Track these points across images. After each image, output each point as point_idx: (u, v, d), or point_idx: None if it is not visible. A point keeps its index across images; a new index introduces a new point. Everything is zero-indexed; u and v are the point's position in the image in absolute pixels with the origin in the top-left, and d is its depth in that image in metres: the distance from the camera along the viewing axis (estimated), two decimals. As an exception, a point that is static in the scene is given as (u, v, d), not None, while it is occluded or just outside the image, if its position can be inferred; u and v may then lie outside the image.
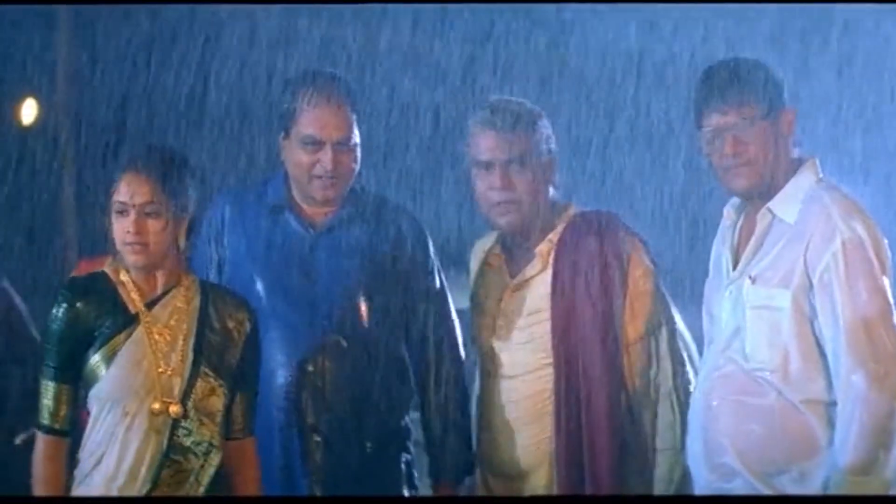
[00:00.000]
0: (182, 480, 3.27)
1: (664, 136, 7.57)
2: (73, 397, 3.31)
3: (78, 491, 3.29)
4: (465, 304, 3.89)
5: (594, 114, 7.60)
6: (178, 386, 3.27)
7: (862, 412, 3.24)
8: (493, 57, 7.78)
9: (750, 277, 3.41)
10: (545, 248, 3.71)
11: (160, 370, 3.26)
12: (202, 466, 3.29)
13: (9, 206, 7.63)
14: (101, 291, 3.32)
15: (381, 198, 3.82)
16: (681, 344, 3.76)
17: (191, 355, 3.30)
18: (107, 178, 3.33)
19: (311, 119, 3.64)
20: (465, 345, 3.86)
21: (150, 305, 3.32)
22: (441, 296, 3.81)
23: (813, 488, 3.31)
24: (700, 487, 3.49)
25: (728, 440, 3.40)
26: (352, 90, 3.70)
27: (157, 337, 3.29)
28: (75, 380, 3.30)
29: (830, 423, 3.32)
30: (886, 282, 3.32)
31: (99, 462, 3.27)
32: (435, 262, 3.82)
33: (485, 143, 3.67)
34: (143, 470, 3.25)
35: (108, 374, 3.26)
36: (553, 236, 3.72)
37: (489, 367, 3.75)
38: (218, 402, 3.31)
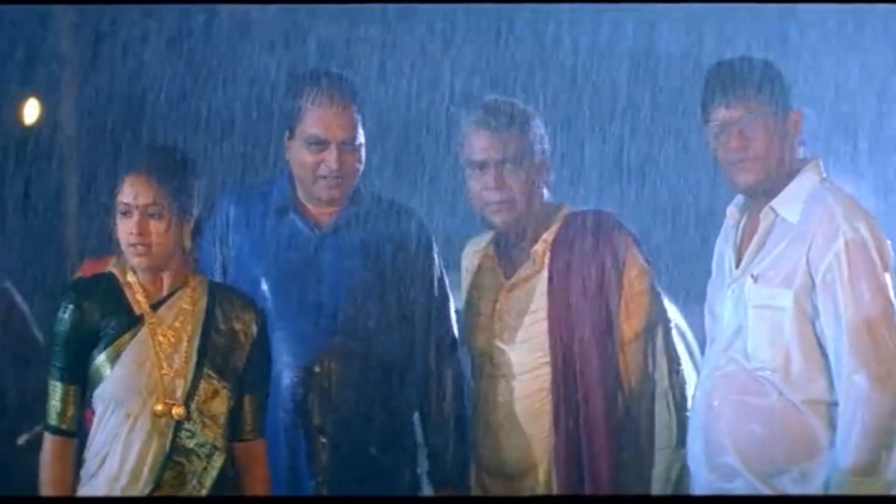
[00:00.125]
0: (185, 482, 3.27)
1: (665, 134, 7.58)
2: (81, 398, 3.31)
3: (83, 491, 3.29)
4: (458, 304, 3.90)
5: (594, 113, 7.60)
6: (181, 388, 3.27)
7: (864, 412, 3.24)
8: (492, 57, 7.79)
9: (752, 277, 3.42)
10: (540, 248, 3.72)
11: (163, 372, 3.26)
12: (205, 468, 3.28)
13: (11, 207, 7.63)
14: (106, 292, 3.32)
15: (385, 198, 3.82)
16: (683, 343, 3.76)
17: (195, 357, 3.29)
18: (110, 179, 3.33)
19: (316, 119, 3.64)
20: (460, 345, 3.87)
21: (155, 307, 3.31)
22: (443, 296, 3.82)
23: (814, 489, 3.31)
24: (701, 487, 3.49)
25: (729, 440, 3.41)
26: (357, 90, 3.70)
27: (160, 338, 3.29)
28: (82, 380, 3.30)
29: (832, 424, 3.32)
30: (889, 282, 3.33)
31: (103, 462, 3.27)
32: (439, 261, 3.82)
33: (479, 143, 3.68)
34: (146, 471, 3.25)
35: (112, 375, 3.26)
36: (548, 236, 3.72)
37: (485, 367, 3.75)
38: (221, 405, 3.31)
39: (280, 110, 3.75)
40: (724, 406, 3.43)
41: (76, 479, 3.31)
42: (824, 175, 3.46)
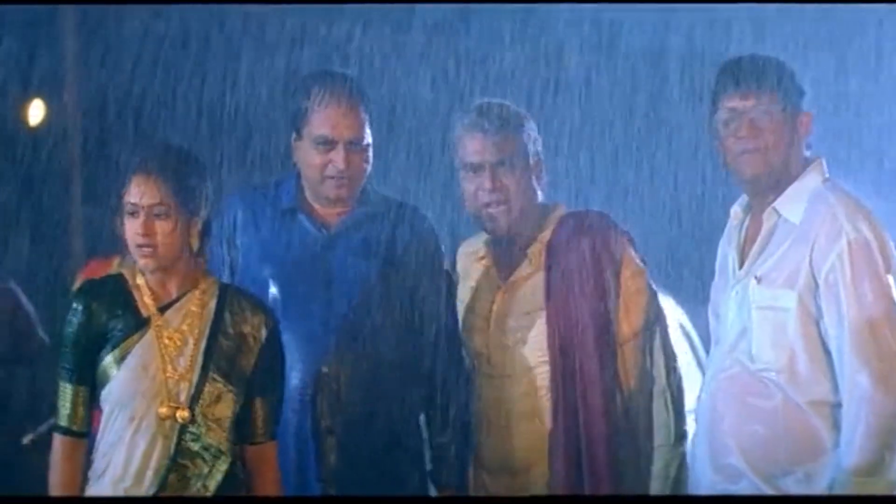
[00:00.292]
0: (189, 485, 3.26)
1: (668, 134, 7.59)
2: (90, 399, 3.30)
3: (90, 491, 3.28)
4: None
5: (597, 113, 7.60)
6: (185, 391, 3.26)
7: (868, 413, 3.24)
8: (491, 57, 7.80)
9: (755, 278, 3.42)
10: (537, 248, 3.73)
11: (168, 375, 3.25)
12: (210, 472, 3.27)
13: (16, 207, 7.64)
14: (115, 294, 3.31)
15: (393, 198, 3.82)
16: (688, 343, 3.77)
17: (200, 360, 3.28)
18: (114, 180, 3.33)
19: (324, 119, 3.64)
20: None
21: (163, 309, 3.30)
22: (451, 296, 3.82)
23: (819, 490, 3.32)
24: (706, 489, 3.49)
25: (733, 441, 3.41)
26: (364, 90, 3.70)
27: (166, 341, 3.27)
28: (91, 381, 3.29)
29: (836, 425, 3.32)
30: (892, 282, 3.33)
31: (109, 463, 3.27)
32: (446, 262, 3.82)
33: (473, 146, 3.69)
34: (150, 473, 3.24)
35: (118, 377, 3.25)
36: (544, 237, 3.74)
37: (483, 367, 3.75)
38: (226, 409, 3.29)
39: (287, 111, 3.75)
40: (728, 407, 3.43)
41: (85, 479, 3.31)
42: (827, 175, 3.47)
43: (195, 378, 3.26)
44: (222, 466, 3.28)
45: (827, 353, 3.34)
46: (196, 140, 6.39)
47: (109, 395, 3.27)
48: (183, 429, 3.25)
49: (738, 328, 3.46)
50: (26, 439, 5.29)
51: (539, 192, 3.77)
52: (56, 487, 3.29)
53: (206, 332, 3.30)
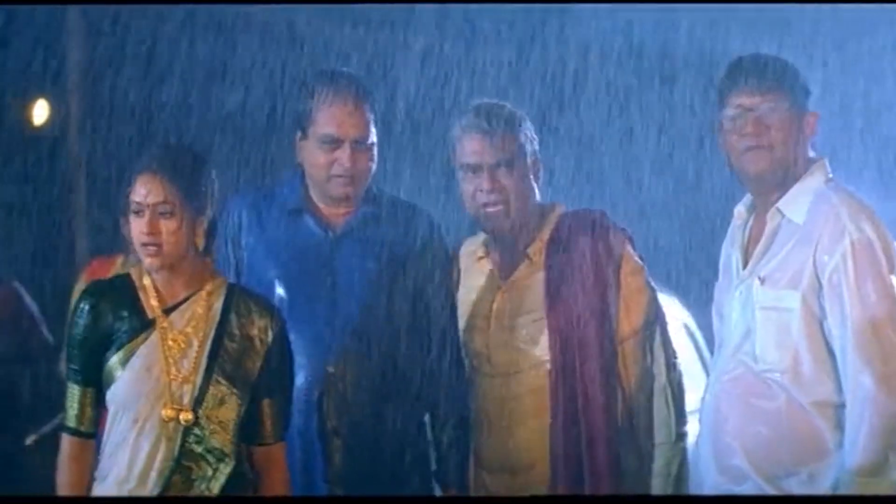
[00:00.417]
0: (193, 487, 3.26)
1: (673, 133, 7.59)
2: (97, 399, 3.30)
3: (96, 491, 3.28)
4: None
5: (600, 114, 7.61)
6: (189, 393, 3.25)
7: (871, 413, 3.25)
8: (491, 57, 7.80)
9: (759, 278, 3.42)
10: (536, 248, 3.74)
11: (171, 377, 3.25)
12: (214, 474, 3.27)
13: (20, 208, 7.65)
14: (121, 294, 3.31)
15: (398, 198, 3.82)
16: (692, 343, 3.77)
17: (204, 362, 3.27)
18: (118, 179, 3.33)
19: (329, 118, 3.64)
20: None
21: (168, 311, 3.30)
22: (452, 296, 3.82)
23: (822, 491, 3.32)
24: (709, 490, 3.49)
25: (737, 442, 3.41)
26: (369, 90, 3.70)
27: (171, 343, 3.27)
28: (98, 382, 3.28)
29: (839, 426, 3.32)
30: (895, 282, 3.33)
31: (114, 464, 3.27)
32: (451, 261, 3.82)
33: (471, 147, 3.70)
34: (154, 475, 3.24)
35: (122, 378, 3.25)
36: (543, 236, 3.75)
37: (483, 366, 3.76)
38: (230, 412, 3.28)
39: (292, 111, 3.75)
40: (731, 409, 3.43)
41: (91, 480, 3.30)
42: (830, 175, 3.47)
43: (199, 381, 3.26)
44: (226, 469, 3.28)
45: (831, 353, 3.35)
46: (200, 140, 6.40)
47: (114, 397, 3.26)
48: (187, 431, 3.24)
49: (741, 329, 3.46)
50: (30, 439, 5.30)
51: (537, 192, 3.78)
52: (63, 487, 3.29)
53: (211, 334, 3.30)
